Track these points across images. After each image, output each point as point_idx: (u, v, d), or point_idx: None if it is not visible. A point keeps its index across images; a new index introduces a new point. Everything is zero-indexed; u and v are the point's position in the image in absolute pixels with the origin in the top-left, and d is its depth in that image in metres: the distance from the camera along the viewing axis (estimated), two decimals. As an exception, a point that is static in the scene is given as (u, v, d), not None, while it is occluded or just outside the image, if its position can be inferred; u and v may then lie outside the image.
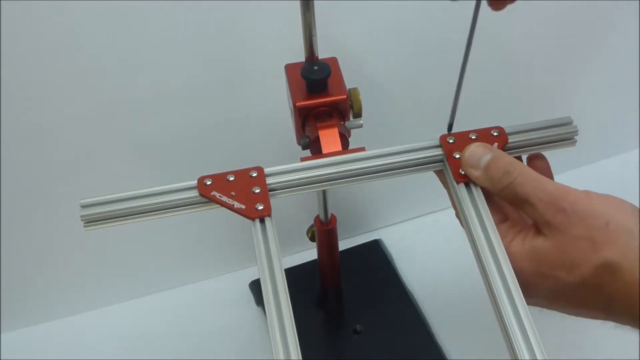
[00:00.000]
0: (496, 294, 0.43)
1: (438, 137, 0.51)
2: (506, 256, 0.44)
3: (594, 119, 0.72)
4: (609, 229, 0.42)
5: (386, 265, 0.78)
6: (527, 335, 0.41)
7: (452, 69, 0.70)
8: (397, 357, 0.69)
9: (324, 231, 0.66)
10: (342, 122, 0.54)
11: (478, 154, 0.47)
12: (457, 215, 0.50)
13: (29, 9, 0.54)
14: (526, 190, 0.44)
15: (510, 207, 0.49)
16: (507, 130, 0.51)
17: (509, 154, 0.48)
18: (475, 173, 0.47)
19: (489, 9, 0.42)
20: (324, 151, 0.52)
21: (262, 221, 0.47)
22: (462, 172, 0.49)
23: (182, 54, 0.61)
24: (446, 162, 0.50)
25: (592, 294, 0.43)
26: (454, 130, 0.51)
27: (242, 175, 0.49)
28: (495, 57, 0.70)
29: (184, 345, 0.73)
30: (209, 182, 0.49)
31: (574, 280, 0.43)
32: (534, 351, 0.40)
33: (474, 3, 0.42)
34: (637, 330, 0.43)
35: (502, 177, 0.45)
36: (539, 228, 0.45)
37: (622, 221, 0.42)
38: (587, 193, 0.44)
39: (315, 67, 0.53)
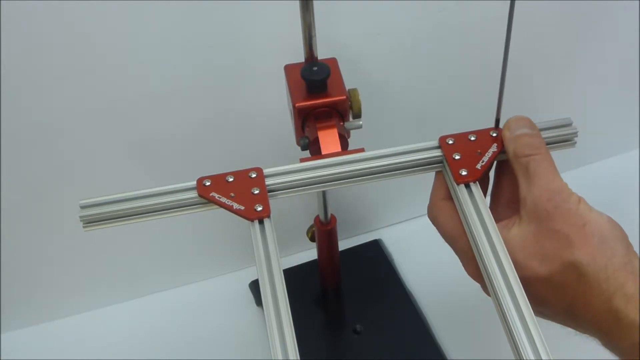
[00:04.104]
0: (499, 293, 0.43)
1: (437, 138, 0.51)
2: (508, 255, 0.45)
3: (593, 119, 0.72)
4: (585, 229, 0.43)
5: (386, 265, 0.78)
6: (532, 335, 0.41)
7: (451, 70, 0.71)
8: (397, 357, 0.69)
9: (324, 231, 0.66)
10: (342, 123, 0.54)
11: (520, 124, 0.49)
12: (431, 215, 0.51)
13: (28, 8, 0.54)
14: (537, 170, 0.46)
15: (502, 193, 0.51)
16: (506, 132, 0.51)
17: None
18: (507, 134, 0.49)
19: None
20: (324, 152, 0.52)
21: (261, 222, 0.47)
22: (462, 173, 0.49)
23: (182, 54, 0.61)
24: (446, 163, 0.50)
25: (557, 292, 0.44)
26: (453, 131, 0.51)
27: (242, 176, 0.49)
28: (494, 58, 0.70)
29: (184, 345, 0.73)
30: (208, 183, 0.49)
31: (542, 273, 0.44)
32: (538, 351, 0.40)
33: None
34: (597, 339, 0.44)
35: (526, 148, 0.47)
36: (522, 214, 0.46)
37: (599, 227, 0.44)
38: (580, 198, 0.45)
39: (315, 68, 0.53)
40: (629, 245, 0.44)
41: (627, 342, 0.41)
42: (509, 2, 0.42)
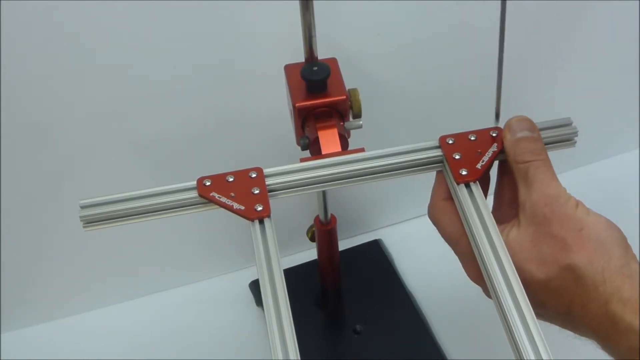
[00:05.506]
0: (499, 293, 0.43)
1: (437, 138, 0.51)
2: (508, 255, 0.45)
3: (593, 119, 0.72)
4: (582, 233, 0.43)
5: (386, 265, 0.78)
6: (532, 335, 0.41)
7: (451, 70, 0.71)
8: (397, 357, 0.69)
9: (324, 231, 0.66)
10: (342, 123, 0.54)
11: (521, 126, 0.49)
12: (432, 215, 0.51)
13: (28, 8, 0.54)
14: (536, 175, 0.46)
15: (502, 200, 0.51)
16: (506, 131, 0.51)
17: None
18: (507, 136, 0.49)
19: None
20: (324, 152, 0.53)
21: (261, 222, 0.47)
22: (462, 173, 0.49)
23: (182, 54, 0.61)
24: (446, 163, 0.50)
25: (554, 295, 0.44)
26: (453, 131, 0.51)
27: (242, 176, 0.49)
28: (494, 57, 0.70)
29: (184, 346, 0.73)
30: (208, 183, 0.49)
31: (540, 276, 0.44)
32: (539, 351, 0.40)
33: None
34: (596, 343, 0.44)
35: (526, 153, 0.47)
36: (521, 218, 0.46)
37: (596, 230, 0.44)
38: (578, 202, 0.45)
39: (315, 68, 0.53)
40: (627, 248, 0.44)
41: (624, 346, 0.41)
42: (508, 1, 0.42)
